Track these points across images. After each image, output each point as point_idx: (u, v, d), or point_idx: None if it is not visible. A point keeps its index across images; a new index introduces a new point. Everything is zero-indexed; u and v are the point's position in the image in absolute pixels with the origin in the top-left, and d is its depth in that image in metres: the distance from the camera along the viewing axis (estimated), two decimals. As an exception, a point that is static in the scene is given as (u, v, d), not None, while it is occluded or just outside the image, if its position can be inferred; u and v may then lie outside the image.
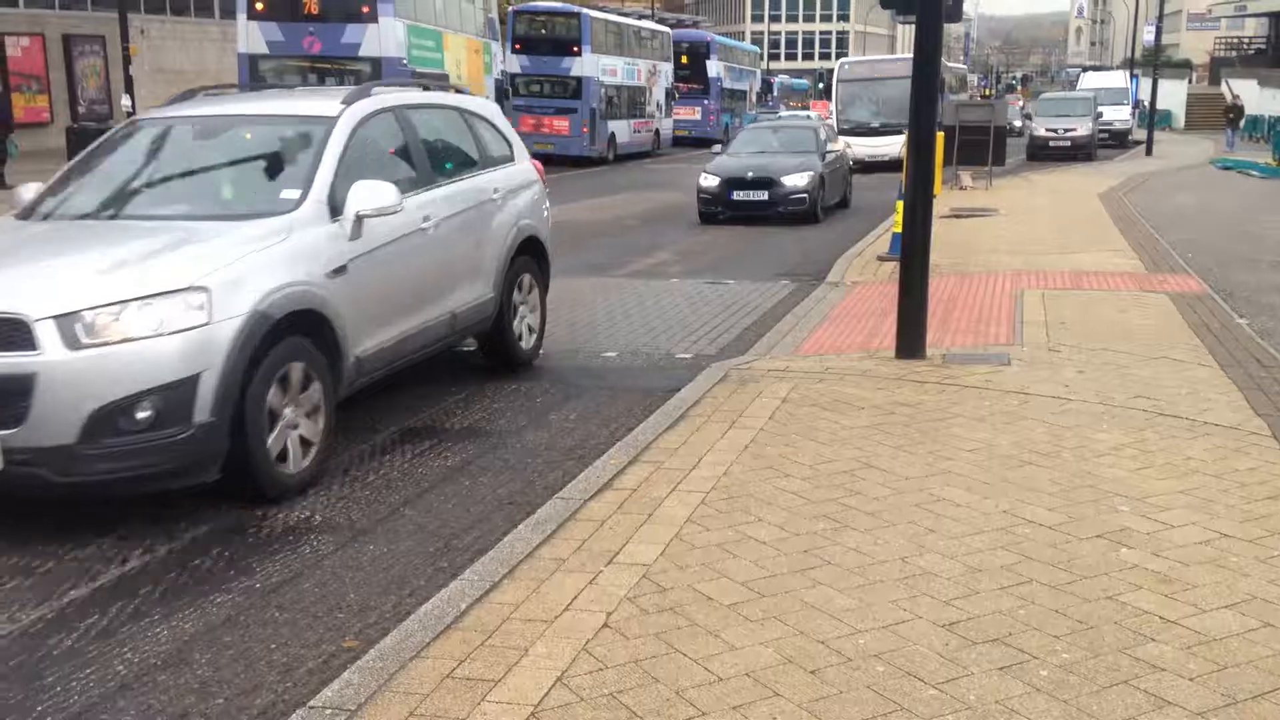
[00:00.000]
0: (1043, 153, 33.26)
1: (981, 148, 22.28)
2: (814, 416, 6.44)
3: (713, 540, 4.65)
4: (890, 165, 26.30)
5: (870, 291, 11.05)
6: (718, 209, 17.59)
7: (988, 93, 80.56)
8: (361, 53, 19.24)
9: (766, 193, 17.26)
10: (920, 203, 7.92)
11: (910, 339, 7.89)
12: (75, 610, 4.42)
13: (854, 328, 9.32)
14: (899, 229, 9.97)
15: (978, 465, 5.56)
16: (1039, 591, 4.15)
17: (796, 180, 17.37)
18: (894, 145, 27.03)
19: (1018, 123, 36.50)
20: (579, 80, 32.12)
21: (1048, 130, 33.95)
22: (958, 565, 4.39)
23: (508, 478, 5.91)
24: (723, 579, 4.28)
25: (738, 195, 17.42)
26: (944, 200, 18.65)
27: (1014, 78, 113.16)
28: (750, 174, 17.61)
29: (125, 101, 22.09)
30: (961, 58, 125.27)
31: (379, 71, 19.28)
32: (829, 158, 18.74)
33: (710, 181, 17.78)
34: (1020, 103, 68.51)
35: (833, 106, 31.49)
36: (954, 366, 7.64)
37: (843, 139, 24.94)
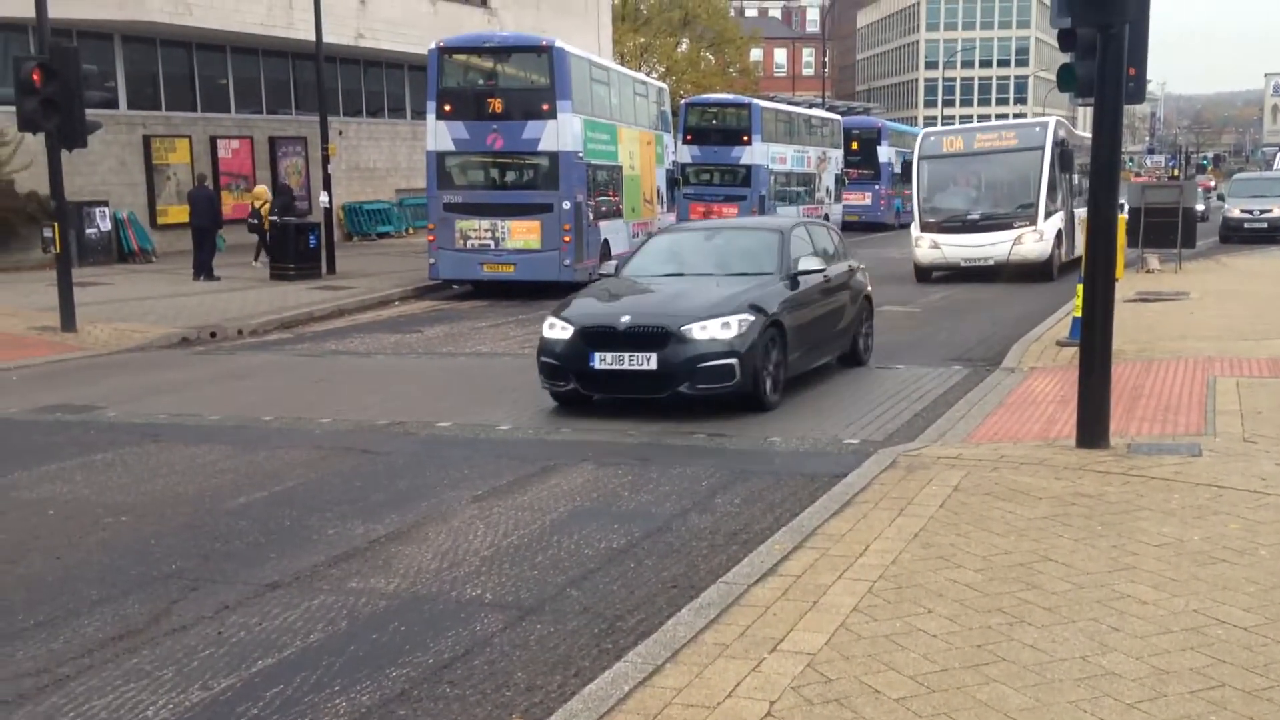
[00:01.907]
0: (1236, 235, 31.73)
1: (1170, 230, 21.42)
2: (988, 506, 6.24)
3: (880, 631, 4.55)
4: (992, 272, 21.40)
5: (1049, 377, 10.70)
6: (566, 384, 9.62)
7: (1175, 173, 77.47)
8: (540, 147, 20.00)
9: (654, 356, 9.19)
10: (1101, 285, 7.67)
11: (1092, 427, 7.59)
12: (263, 680, 4.64)
13: (1031, 415, 9.02)
14: (1079, 313, 9.66)
15: (1166, 561, 5.28)
16: (1232, 697, 3.89)
17: (713, 331, 9.27)
18: (1000, 245, 21.36)
19: (1200, 206, 33.18)
20: (748, 168, 32.55)
21: (1242, 211, 32.39)
22: (1143, 666, 4.16)
23: (672, 561, 5.94)
24: (890, 671, 4.17)
25: (602, 362, 9.33)
26: (1129, 284, 17.97)
27: (1204, 158, 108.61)
28: (625, 321, 9.43)
29: (323, 198, 23.52)
30: (1148, 138, 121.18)
31: (556, 164, 20.02)
32: (807, 284, 10.55)
33: (558, 333, 9.68)
34: (1211, 184, 65.62)
35: (913, 193, 23.09)
36: (1140, 457, 7.30)
37: (928, 237, 21.88)
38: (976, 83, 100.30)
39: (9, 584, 5.83)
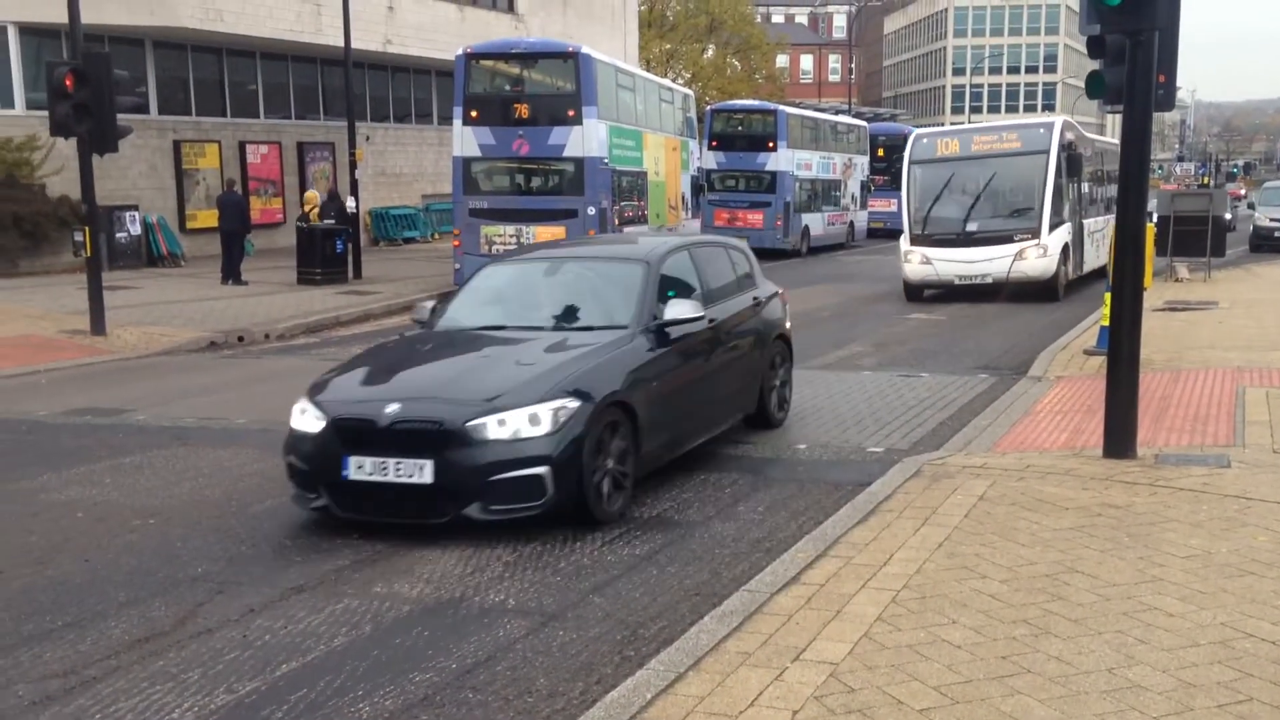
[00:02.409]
0: (1267, 244, 31.37)
1: (1199, 238, 21.23)
2: (1013, 516, 6.21)
3: (904, 641, 4.53)
4: (990, 291, 19.21)
5: (1076, 386, 10.62)
6: (316, 498, 6.79)
7: (1205, 181, 76.81)
8: (566, 153, 20.07)
9: (429, 465, 6.39)
10: (1129, 294, 7.62)
11: (1119, 437, 7.53)
12: (287, 683, 4.66)
13: (1058, 424, 8.97)
14: (1106, 321, 9.59)
15: (1193, 573, 5.23)
16: (1261, 711, 3.85)
17: (515, 426, 6.50)
18: (999, 261, 19.06)
19: (1227, 215, 31.27)
20: (773, 175, 32.49)
21: (1272, 220, 32.04)
22: (1170, 679, 4.12)
23: (695, 568, 5.93)
24: (914, 682, 4.15)
25: (359, 470, 6.49)
26: (1157, 293, 17.83)
27: (1235, 166, 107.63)
28: (392, 411, 6.56)
29: (350, 203, 23.67)
30: (1177, 146, 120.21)
31: (581, 170, 20.08)
32: (681, 335, 7.78)
33: (307, 424, 6.82)
34: (1241, 192, 64.96)
35: (903, 201, 20.59)
36: (1167, 468, 7.24)
37: (919, 251, 19.50)
38: (1004, 89, 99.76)
39: (38, 585, 5.89)
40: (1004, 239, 19.18)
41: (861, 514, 6.32)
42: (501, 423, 6.44)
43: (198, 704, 4.46)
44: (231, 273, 21.79)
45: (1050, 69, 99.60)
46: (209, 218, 26.25)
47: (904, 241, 19.99)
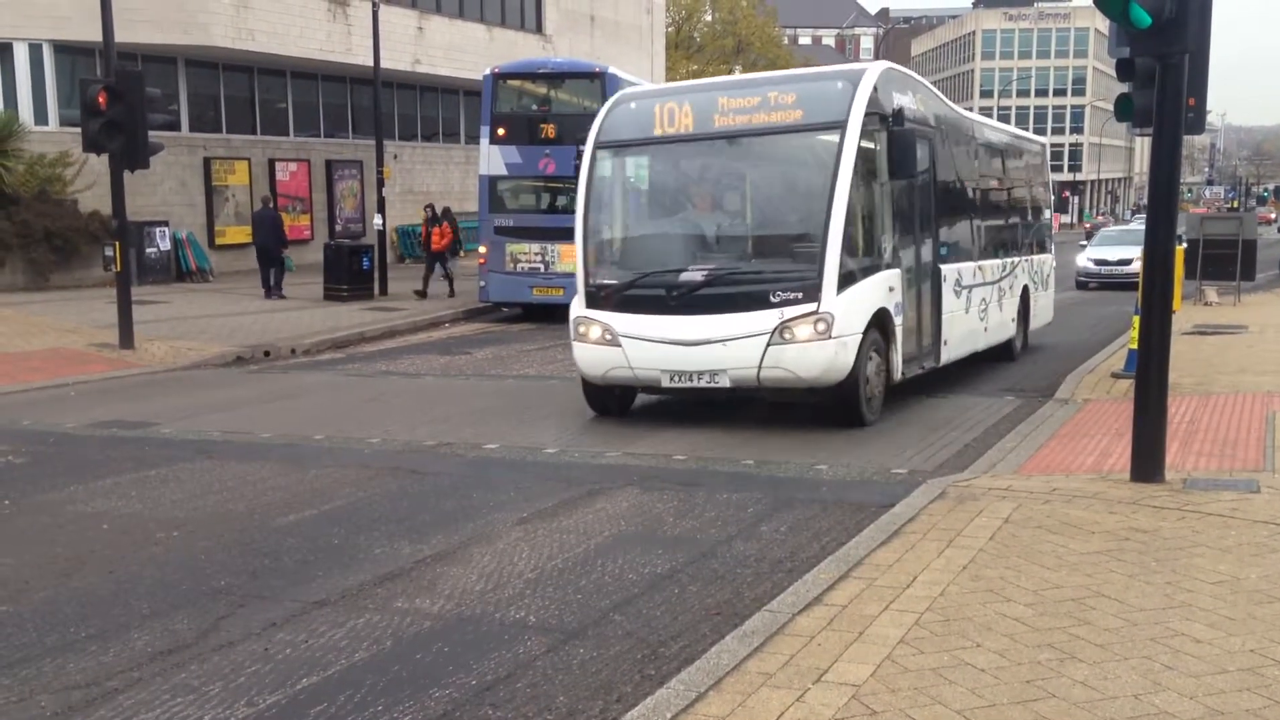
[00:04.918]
0: None
1: (1229, 262, 21.07)
2: (1039, 539, 6.15)
3: (927, 664, 4.49)
4: (734, 401, 10.83)
5: (1103, 409, 10.53)
6: None
7: (1235, 205, 76.26)
8: (590, 172, 20.15)
9: None
10: (1157, 317, 7.55)
11: (1146, 461, 7.46)
12: (308, 697, 4.66)
13: (1084, 447, 8.89)
14: (1135, 344, 9.51)
15: (1221, 599, 5.16)
16: (1292, 742, 3.79)
17: None
18: (741, 345, 9.74)
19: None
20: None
21: None
22: (1198, 706, 4.06)
23: (716, 587, 5.90)
24: (937, 705, 4.11)
25: None
26: (1186, 316, 17.67)
27: (1265, 189, 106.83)
28: None
29: (377, 220, 23.84)
30: (1207, 169, 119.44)
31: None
32: None
33: None
34: (1272, 216, 64.53)
35: (578, 225, 10.93)
36: (1196, 492, 7.16)
37: (599, 320, 10.24)
38: (1032, 111, 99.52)
39: (63, 596, 5.93)
40: (753, 302, 9.71)
41: (885, 535, 6.27)
42: None
43: (218, 717, 4.47)
44: (274, 286, 22.18)
45: (1079, 92, 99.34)
46: (238, 234, 26.53)
47: (575, 304, 10.60)
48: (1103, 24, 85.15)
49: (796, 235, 10.23)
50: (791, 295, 9.63)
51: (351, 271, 22.21)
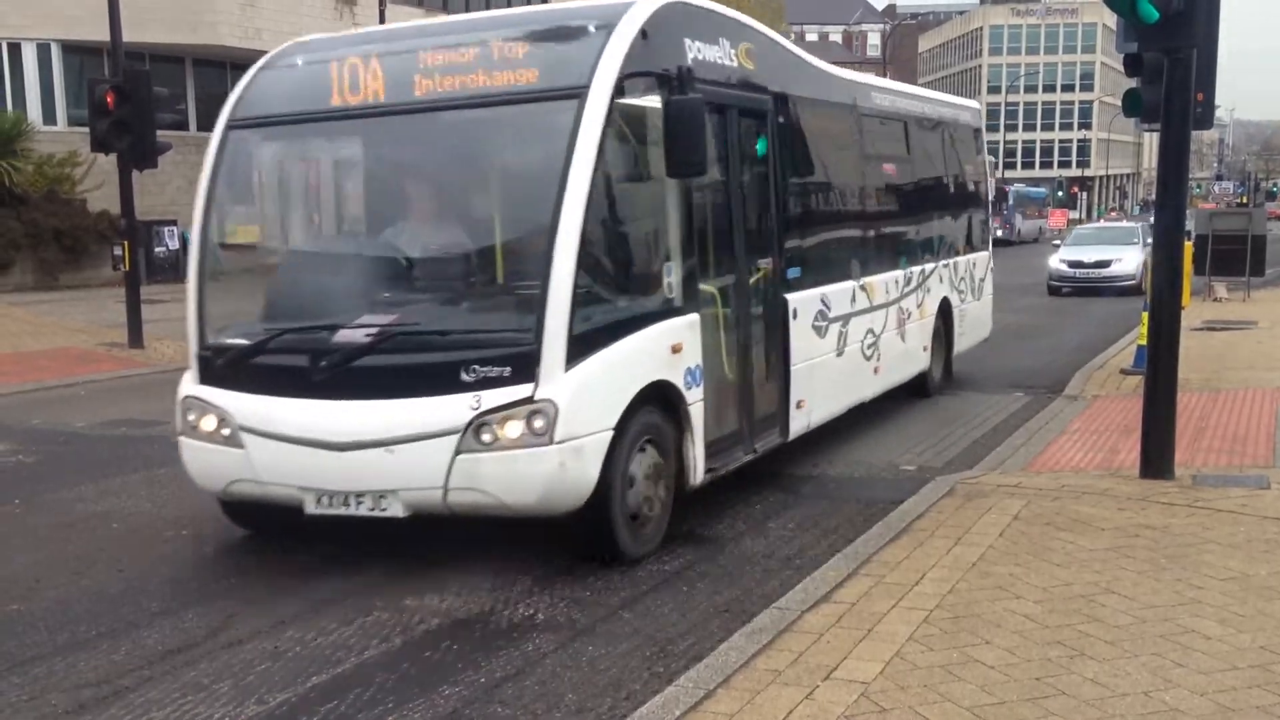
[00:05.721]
0: None
1: (1238, 258, 20.99)
2: (1048, 536, 6.14)
3: (936, 661, 4.48)
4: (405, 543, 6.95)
5: (1112, 406, 10.51)
6: None
7: (1244, 200, 76.02)
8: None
9: None
10: (1166, 314, 7.53)
11: (1156, 457, 7.44)
12: (317, 695, 4.67)
13: (1094, 444, 8.87)
14: (1144, 341, 9.49)
15: (1232, 596, 5.14)
16: (1303, 738, 3.78)
17: None
18: (411, 452, 5.82)
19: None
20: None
21: None
22: (1208, 703, 4.05)
23: (725, 585, 5.90)
24: (946, 703, 4.11)
25: None
26: (1195, 312, 17.62)
27: (1274, 185, 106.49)
28: None
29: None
30: (1215, 164, 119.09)
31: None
32: None
33: None
34: (1280, 212, 64.32)
35: (192, 246, 7.44)
36: (1205, 489, 7.14)
37: (216, 403, 6.43)
38: (1040, 107, 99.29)
39: (73, 595, 5.95)
40: (436, 380, 5.87)
41: (894, 532, 6.27)
42: None
43: (229, 714, 4.48)
44: None
45: (1086, 87, 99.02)
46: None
47: (187, 377, 6.92)
48: (1111, 19, 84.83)
49: (510, 271, 6.35)
50: (494, 371, 5.79)
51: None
